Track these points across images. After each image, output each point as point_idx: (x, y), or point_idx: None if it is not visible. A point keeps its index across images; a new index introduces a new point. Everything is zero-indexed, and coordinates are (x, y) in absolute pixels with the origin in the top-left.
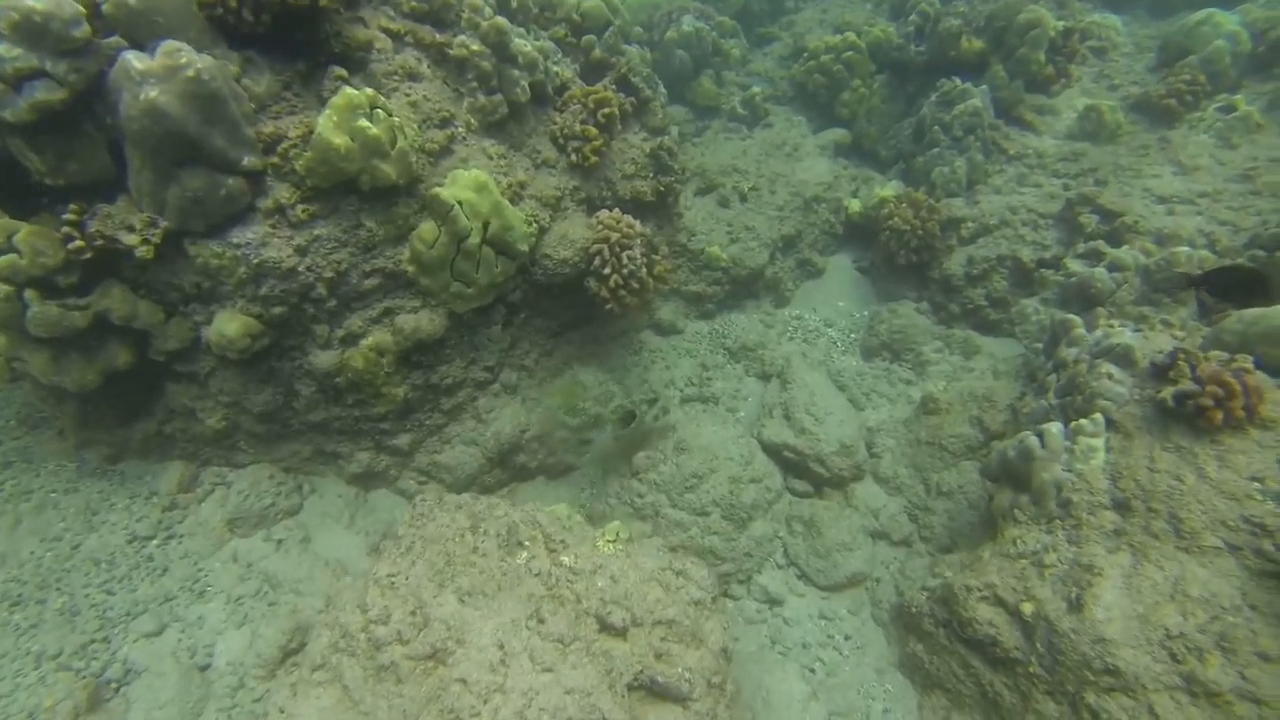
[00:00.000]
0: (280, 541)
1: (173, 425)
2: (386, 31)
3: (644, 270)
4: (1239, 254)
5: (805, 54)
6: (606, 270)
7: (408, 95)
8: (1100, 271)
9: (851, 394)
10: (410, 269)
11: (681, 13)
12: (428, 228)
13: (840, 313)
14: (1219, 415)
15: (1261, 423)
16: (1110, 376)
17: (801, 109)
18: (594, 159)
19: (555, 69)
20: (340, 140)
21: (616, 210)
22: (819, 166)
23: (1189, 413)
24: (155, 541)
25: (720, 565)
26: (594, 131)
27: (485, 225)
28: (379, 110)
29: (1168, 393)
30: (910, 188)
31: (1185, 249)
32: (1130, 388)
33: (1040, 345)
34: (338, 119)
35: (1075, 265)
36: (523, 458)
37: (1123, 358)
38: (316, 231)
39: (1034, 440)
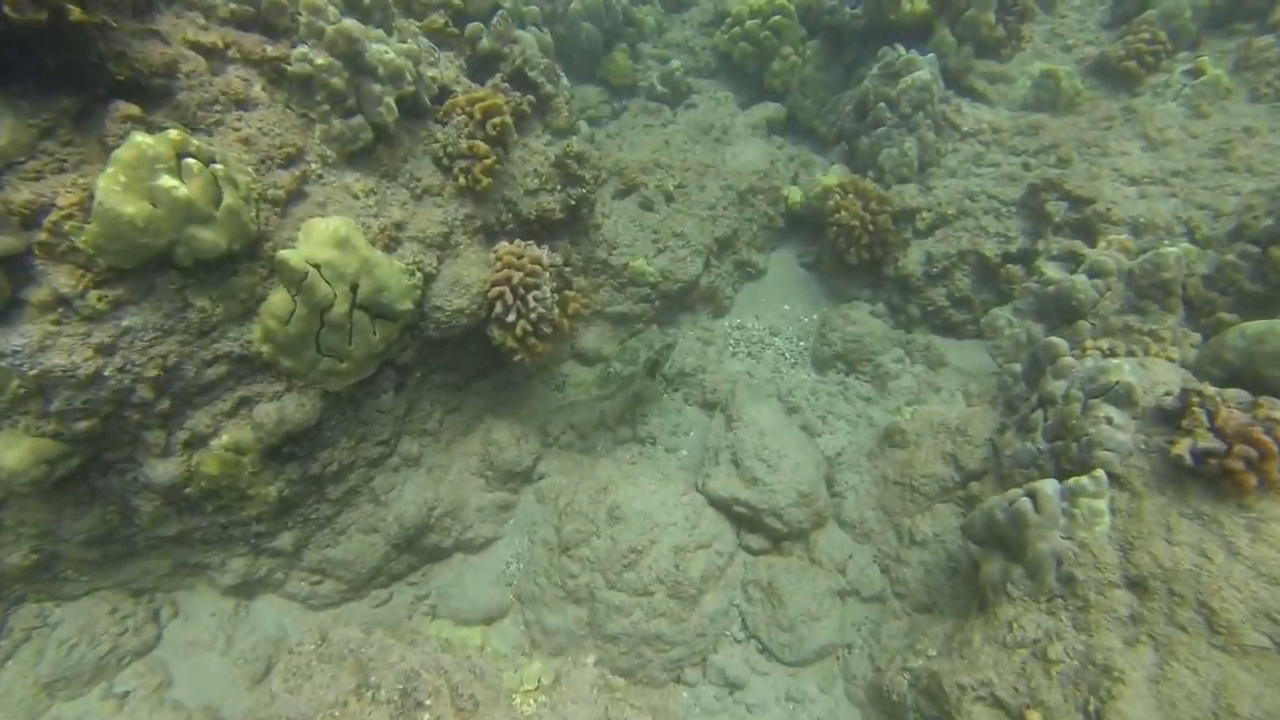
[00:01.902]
0: (126, 696)
1: None
2: (198, 47)
3: (556, 310)
4: (1222, 245)
5: (728, 20)
6: (510, 317)
7: (236, 130)
8: (1081, 280)
9: (805, 418)
10: (265, 349)
11: None
12: (279, 300)
13: (786, 318)
14: (1252, 480)
15: None
16: (1110, 422)
17: (728, 82)
18: (486, 180)
19: (431, 73)
20: (134, 208)
21: (518, 241)
22: (752, 150)
23: (1211, 473)
24: None
25: (670, 651)
26: (484, 147)
27: (353, 288)
28: (191, 159)
29: (1183, 448)
30: (855, 172)
31: (1172, 251)
32: (1133, 435)
33: (1018, 367)
34: (127, 179)
35: (1051, 270)
36: (434, 537)
37: (1123, 398)
38: (125, 322)
39: (1026, 503)
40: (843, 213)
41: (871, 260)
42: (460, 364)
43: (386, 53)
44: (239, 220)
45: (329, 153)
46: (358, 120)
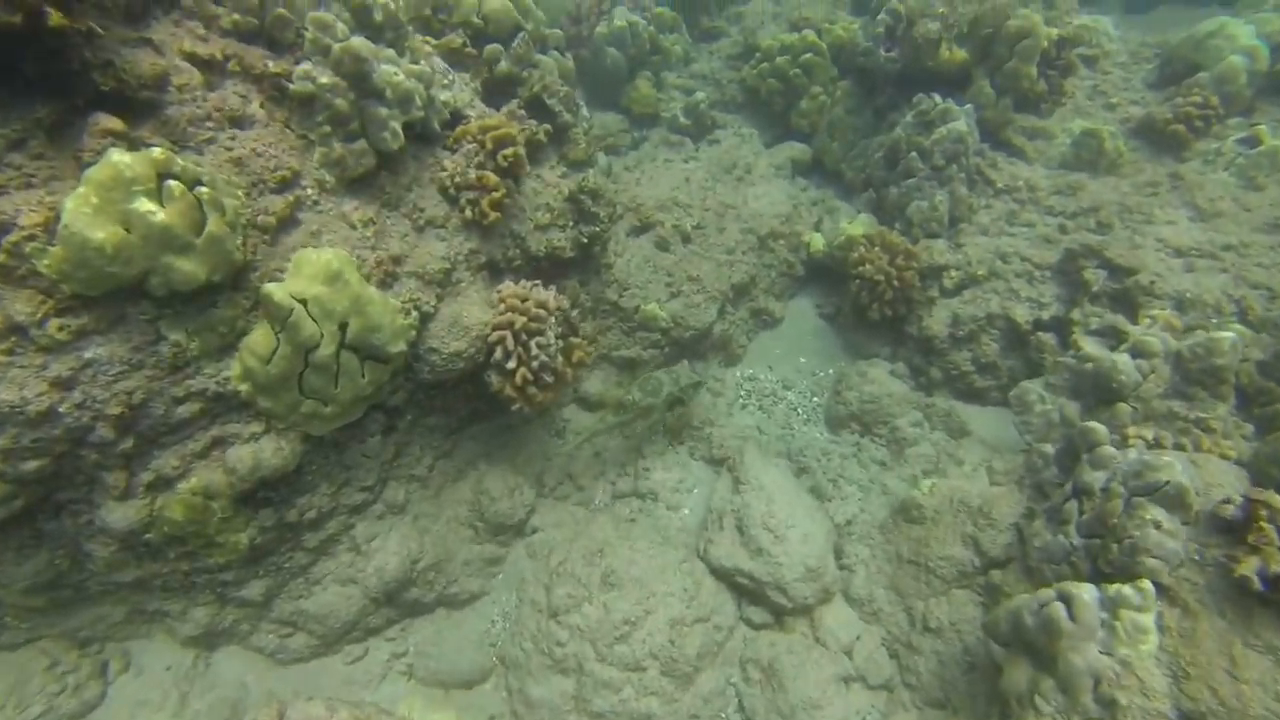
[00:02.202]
0: None
1: None
2: (194, 59)
3: (560, 358)
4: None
5: (757, 54)
6: (511, 363)
7: (229, 149)
8: (1124, 360)
9: (815, 479)
10: (243, 388)
11: (614, 3)
12: (261, 337)
13: (801, 370)
14: None
15: None
16: (1159, 526)
17: (753, 118)
18: (494, 214)
19: (444, 96)
20: (105, 233)
21: (524, 282)
22: (775, 193)
23: None
24: None
25: None
26: (494, 179)
27: (342, 327)
28: (174, 181)
29: (1250, 568)
30: (882, 223)
31: (1228, 335)
32: (1185, 542)
33: (1050, 449)
34: (99, 200)
35: (1090, 347)
36: (416, 591)
37: (1173, 501)
38: (89, 355)
39: (1059, 609)
40: (867, 266)
41: (894, 317)
42: (455, 407)
43: (396, 75)
44: (223, 249)
45: (327, 178)
46: (360, 145)
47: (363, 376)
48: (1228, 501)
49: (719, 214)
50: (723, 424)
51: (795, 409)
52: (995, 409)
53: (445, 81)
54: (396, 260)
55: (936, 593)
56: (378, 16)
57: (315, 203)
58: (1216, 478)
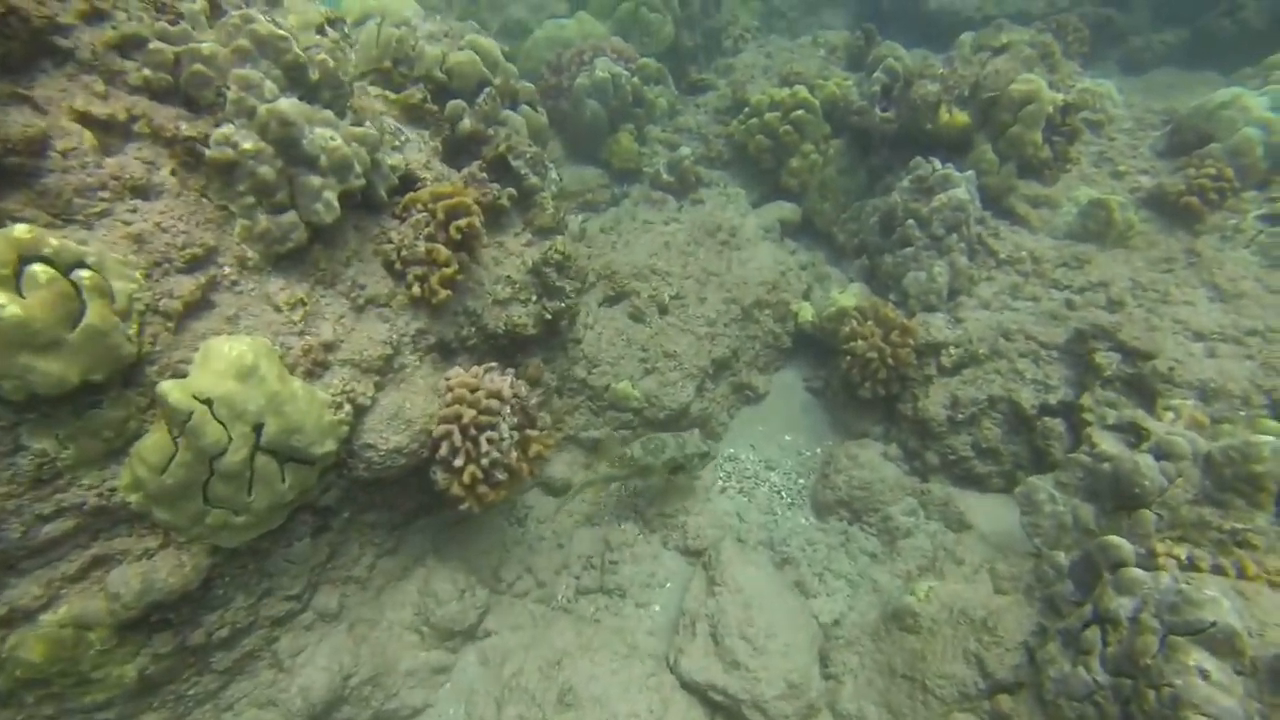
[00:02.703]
0: None
1: None
2: (88, 119)
3: (514, 454)
4: None
5: (746, 109)
6: (458, 461)
7: (127, 224)
8: (1147, 463)
9: (800, 572)
10: (134, 499)
11: (596, 54)
12: (156, 443)
13: (786, 450)
14: None
15: None
16: (1206, 676)
17: (740, 175)
18: (445, 293)
19: (393, 160)
20: None
21: (475, 368)
22: (761, 257)
23: None
24: None
25: None
26: (444, 253)
27: (257, 428)
28: (40, 265)
29: None
30: (876, 292)
31: (1269, 441)
32: (1244, 701)
33: (1063, 560)
34: None
35: (1108, 445)
36: (349, 709)
37: (1223, 646)
38: None
39: None
40: (859, 341)
41: (888, 396)
42: (399, 502)
43: (332, 139)
44: (105, 343)
45: (250, 254)
46: (289, 217)
47: (283, 481)
48: None
49: (701, 281)
50: (699, 510)
51: (779, 491)
52: (997, 497)
53: (396, 143)
54: (329, 347)
55: (935, 715)
56: (313, 75)
57: (234, 283)
58: (1272, 614)
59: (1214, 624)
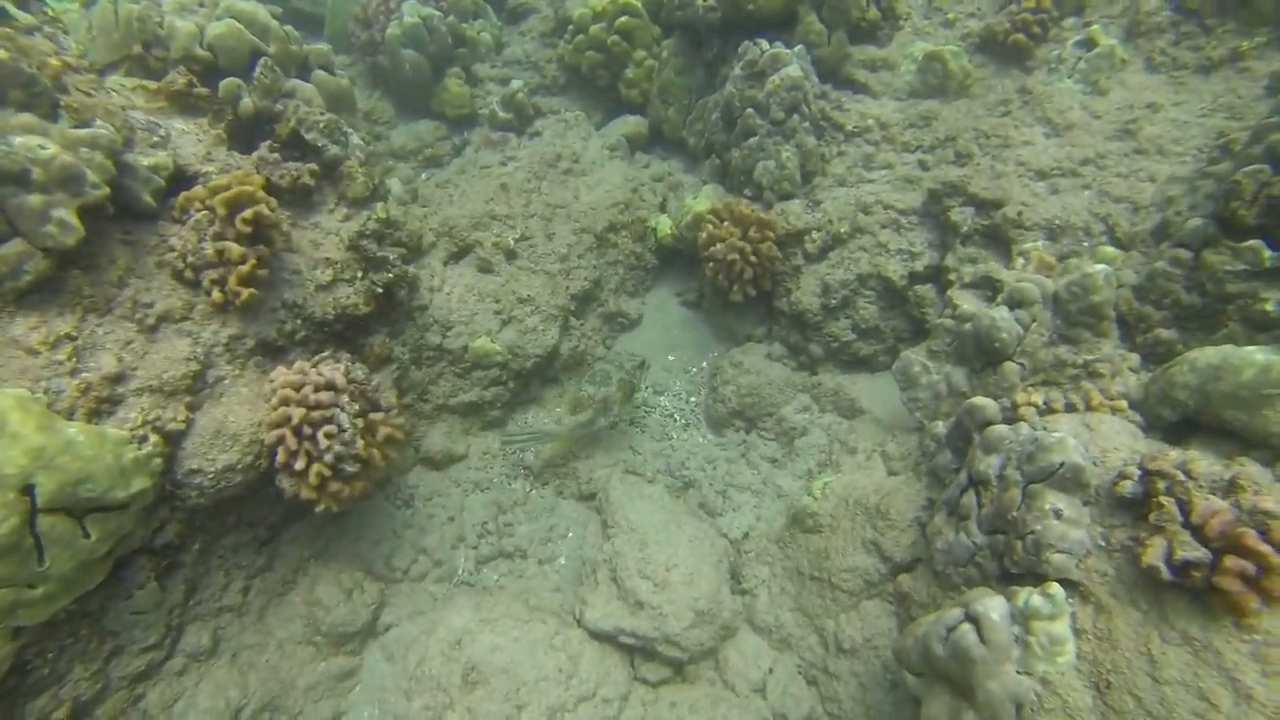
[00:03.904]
0: None
1: None
2: None
3: (361, 442)
4: (1147, 244)
5: (570, 27)
6: (299, 464)
7: None
8: (1002, 315)
9: (703, 494)
10: None
11: None
12: None
13: (671, 370)
14: (1253, 601)
15: None
16: (1059, 515)
17: (580, 98)
18: (248, 291)
19: (149, 160)
20: None
21: (301, 364)
22: (610, 178)
23: (1196, 587)
24: None
25: None
26: (237, 250)
27: (27, 490)
28: None
29: (1156, 555)
30: (731, 191)
31: (1100, 269)
32: (1089, 529)
33: (941, 429)
34: None
35: (967, 302)
36: None
37: (1071, 483)
38: None
39: (968, 634)
40: (718, 245)
41: (762, 294)
42: (259, 516)
43: (42, 148)
44: None
45: None
46: (14, 247)
47: (87, 536)
48: (1124, 477)
49: (546, 218)
50: (590, 453)
51: (671, 415)
52: (886, 376)
53: (154, 139)
54: (115, 379)
55: (845, 608)
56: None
57: None
58: (1112, 440)
59: (1062, 465)
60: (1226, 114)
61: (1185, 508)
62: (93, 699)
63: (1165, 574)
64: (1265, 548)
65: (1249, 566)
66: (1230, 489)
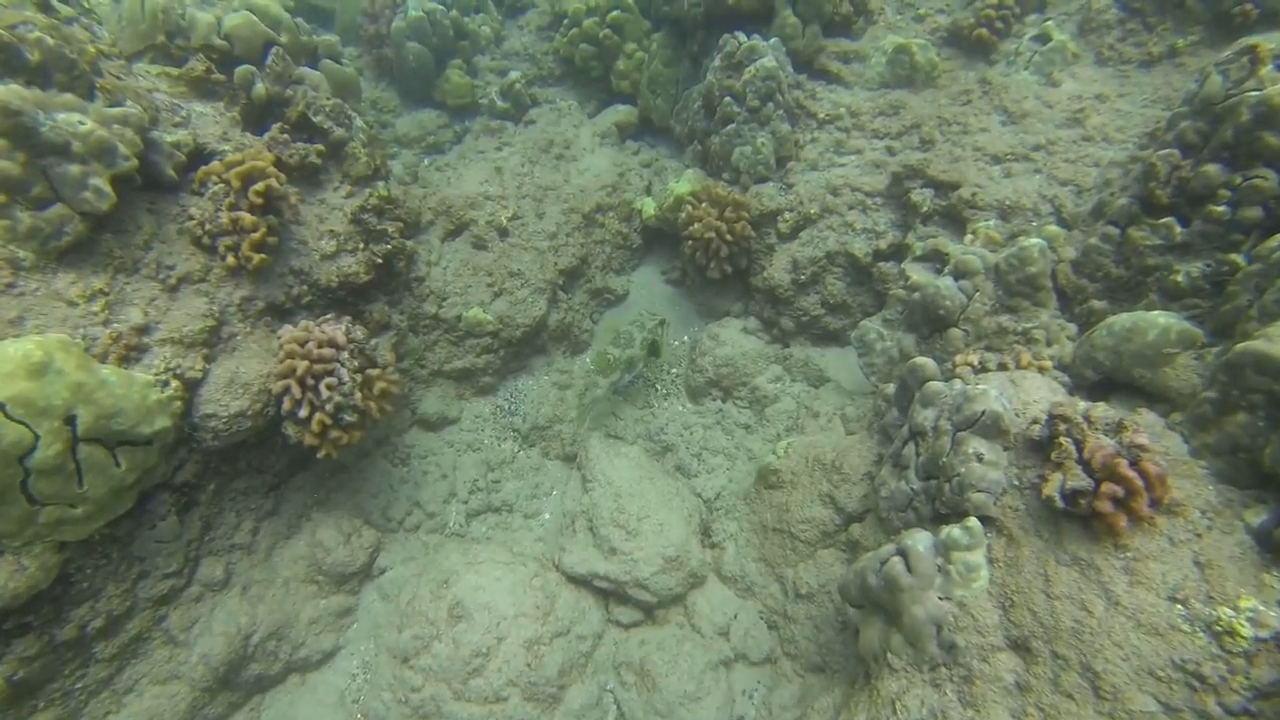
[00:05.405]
0: None
1: None
2: None
3: (359, 394)
4: (1087, 224)
5: (565, 21)
6: (303, 411)
7: None
8: (947, 284)
9: (680, 457)
10: None
11: None
12: None
13: None
14: (1122, 521)
15: (1168, 508)
16: (980, 458)
17: (574, 89)
18: (259, 257)
19: (172, 138)
20: None
21: (306, 323)
22: (599, 163)
23: (1084, 513)
24: None
25: None
26: (250, 219)
27: (70, 420)
28: None
29: (1053, 487)
30: (710, 175)
31: (1035, 243)
32: (1006, 470)
33: (891, 389)
34: None
35: (917, 274)
36: (257, 666)
37: (991, 429)
38: None
39: (898, 565)
40: (696, 225)
41: (738, 271)
42: (267, 463)
43: (82, 124)
44: None
45: (23, 254)
46: (58, 210)
47: (118, 465)
48: (1035, 422)
49: (537, 199)
50: (575, 417)
51: (653, 385)
52: (852, 349)
53: (178, 119)
54: (142, 330)
55: (803, 557)
56: (31, 56)
57: (11, 285)
58: (1033, 394)
59: (984, 412)
60: (1164, 105)
61: (1080, 446)
62: (123, 615)
63: (1059, 502)
64: (1131, 473)
65: (1118, 490)
66: (1118, 429)
